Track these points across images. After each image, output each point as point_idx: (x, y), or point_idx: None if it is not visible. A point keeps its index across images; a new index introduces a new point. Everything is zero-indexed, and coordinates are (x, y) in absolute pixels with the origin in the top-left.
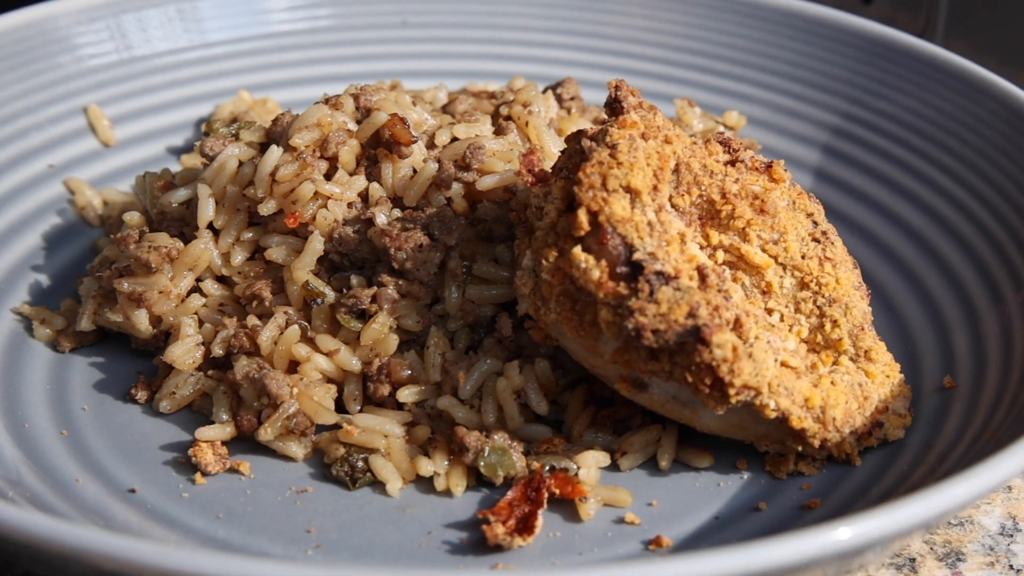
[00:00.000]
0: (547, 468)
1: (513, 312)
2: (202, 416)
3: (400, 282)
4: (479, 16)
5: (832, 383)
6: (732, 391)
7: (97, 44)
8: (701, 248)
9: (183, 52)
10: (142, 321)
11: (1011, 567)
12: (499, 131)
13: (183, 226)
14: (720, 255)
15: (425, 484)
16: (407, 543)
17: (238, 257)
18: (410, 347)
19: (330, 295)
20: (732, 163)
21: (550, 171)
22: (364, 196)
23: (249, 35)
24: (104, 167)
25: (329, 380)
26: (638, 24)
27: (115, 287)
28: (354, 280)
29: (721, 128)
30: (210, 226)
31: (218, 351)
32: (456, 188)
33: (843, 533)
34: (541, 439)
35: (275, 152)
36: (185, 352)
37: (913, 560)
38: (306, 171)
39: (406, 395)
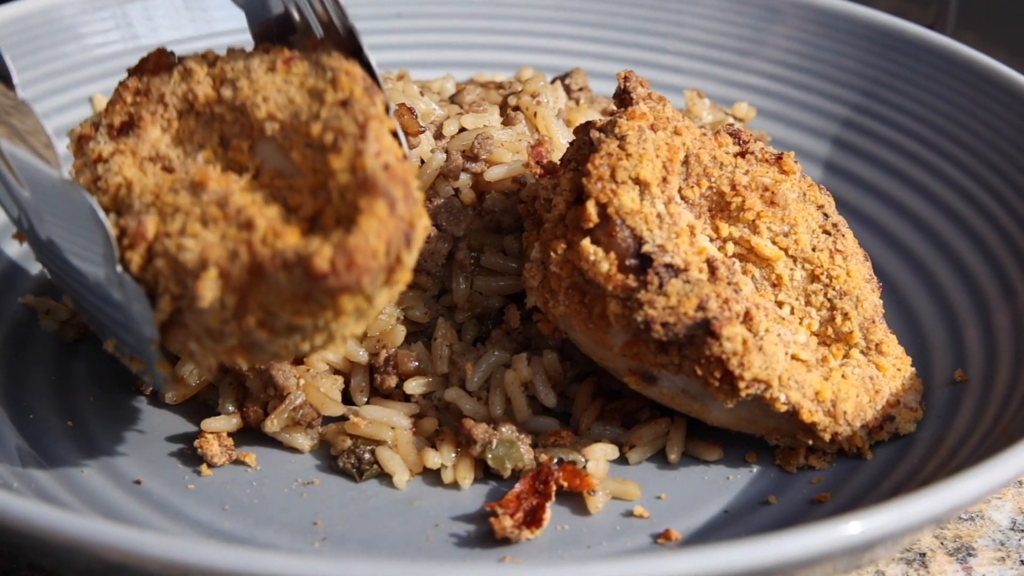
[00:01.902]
0: (555, 461)
1: (521, 303)
2: (208, 407)
3: None
4: (486, 6)
5: (843, 376)
6: (742, 384)
7: (103, 33)
8: (711, 240)
9: (189, 41)
10: None
11: (1022, 563)
12: (507, 121)
13: None
14: (730, 247)
15: (432, 476)
16: (414, 535)
17: None
18: (417, 339)
19: None
20: (742, 155)
21: (558, 163)
22: None
23: None
24: None
25: (336, 371)
26: (647, 15)
27: None
28: None
29: (731, 120)
30: None
31: None
32: (464, 179)
33: (854, 527)
34: (549, 432)
35: None
36: None
37: (923, 555)
38: None
39: (413, 387)
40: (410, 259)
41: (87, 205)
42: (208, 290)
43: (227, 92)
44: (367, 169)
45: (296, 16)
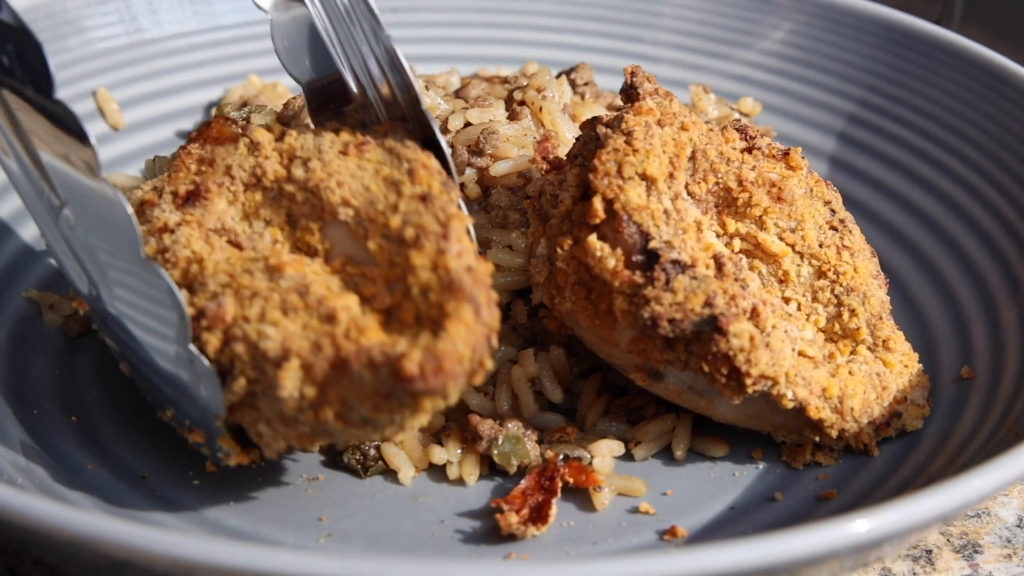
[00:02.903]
0: (561, 457)
1: (528, 299)
2: None
3: None
4: (491, 0)
5: (850, 373)
6: (749, 381)
7: (106, 27)
8: (718, 236)
9: (193, 35)
10: None
11: None
12: (513, 116)
13: None
14: (737, 243)
15: (437, 472)
16: (419, 532)
17: None
18: None
19: None
20: (749, 150)
21: (565, 158)
22: None
23: (259, 18)
24: (113, 151)
25: None
26: (651, 9)
27: None
28: None
29: (736, 115)
30: None
31: None
32: (470, 174)
33: (861, 525)
34: (555, 428)
35: None
36: None
37: (930, 552)
38: None
39: None
40: (490, 363)
41: (165, 285)
42: (289, 380)
43: (298, 172)
44: (451, 271)
45: (353, 87)
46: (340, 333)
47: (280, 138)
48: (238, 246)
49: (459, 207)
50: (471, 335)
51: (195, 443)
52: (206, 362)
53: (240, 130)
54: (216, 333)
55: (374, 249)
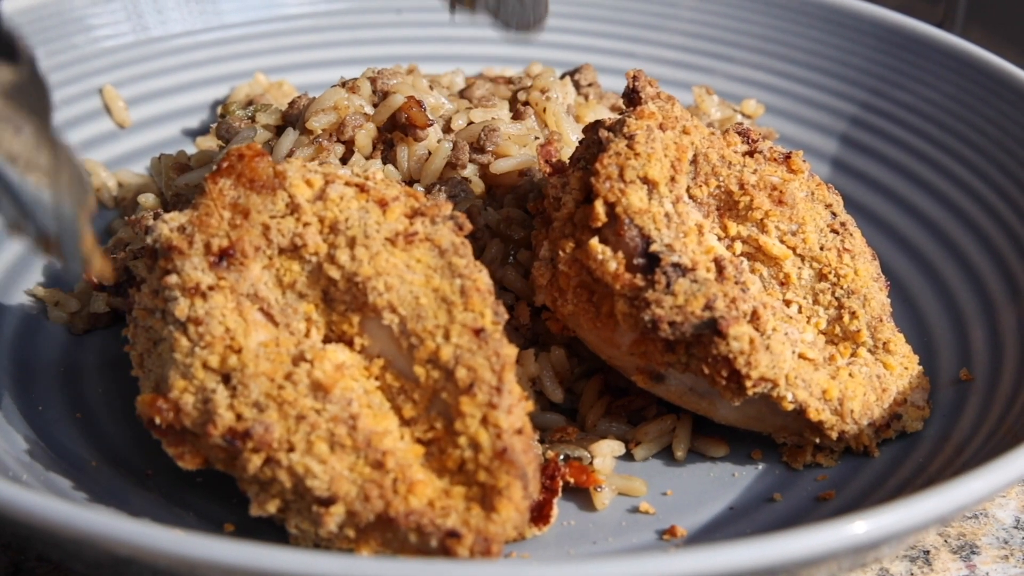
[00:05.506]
0: (562, 457)
1: (530, 300)
2: None
3: None
4: None
5: (850, 375)
6: (749, 383)
7: (113, 25)
8: (719, 239)
9: (199, 34)
10: None
11: None
12: (517, 116)
13: None
14: (738, 246)
15: None
16: None
17: None
18: None
19: None
20: (750, 154)
21: (568, 161)
22: None
23: (265, 17)
24: (119, 149)
25: None
26: (656, 11)
27: (130, 269)
28: None
29: (739, 116)
30: None
31: None
32: (471, 170)
33: (859, 527)
34: (555, 428)
35: (291, 135)
36: None
37: (927, 553)
38: (322, 155)
39: None
40: (528, 535)
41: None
42: (333, 523)
43: (342, 256)
44: (503, 432)
45: None
46: (388, 485)
47: (320, 196)
48: (271, 317)
49: (509, 342)
50: (519, 515)
51: (49, 255)
52: (65, 145)
53: (273, 171)
54: (261, 455)
55: (420, 372)
